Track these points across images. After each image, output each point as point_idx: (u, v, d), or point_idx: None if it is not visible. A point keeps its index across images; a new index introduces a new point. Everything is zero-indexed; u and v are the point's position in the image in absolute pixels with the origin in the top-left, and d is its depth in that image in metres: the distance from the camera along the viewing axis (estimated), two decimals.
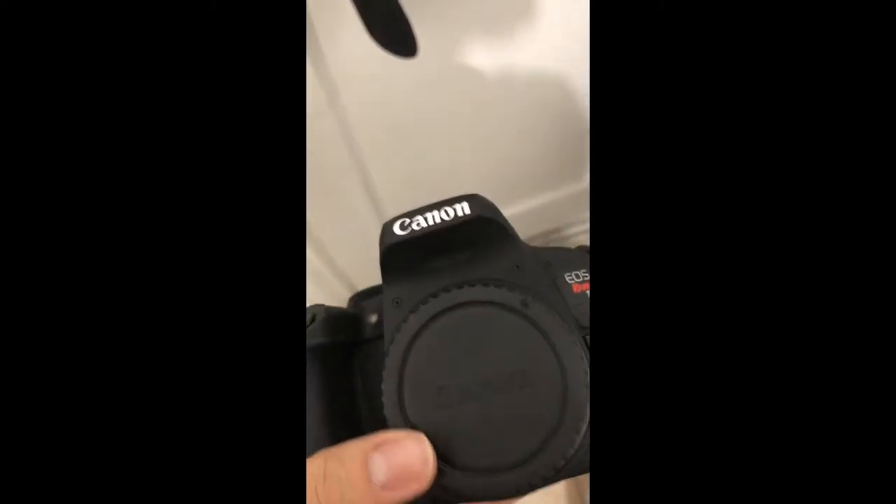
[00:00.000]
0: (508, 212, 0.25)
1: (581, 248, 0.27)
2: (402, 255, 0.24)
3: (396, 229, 0.24)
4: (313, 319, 0.25)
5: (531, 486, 0.22)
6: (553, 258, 0.25)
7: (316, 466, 0.20)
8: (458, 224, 0.23)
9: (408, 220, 0.24)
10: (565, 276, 0.25)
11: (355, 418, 0.26)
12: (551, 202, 0.92)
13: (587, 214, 0.99)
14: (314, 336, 0.24)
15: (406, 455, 0.21)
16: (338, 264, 0.83)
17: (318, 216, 0.74)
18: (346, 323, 0.27)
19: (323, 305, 0.27)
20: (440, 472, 0.22)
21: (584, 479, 0.93)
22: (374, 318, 0.27)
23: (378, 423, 0.24)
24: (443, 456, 0.22)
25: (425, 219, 0.24)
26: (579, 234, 1.04)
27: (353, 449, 0.21)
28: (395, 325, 0.24)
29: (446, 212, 0.24)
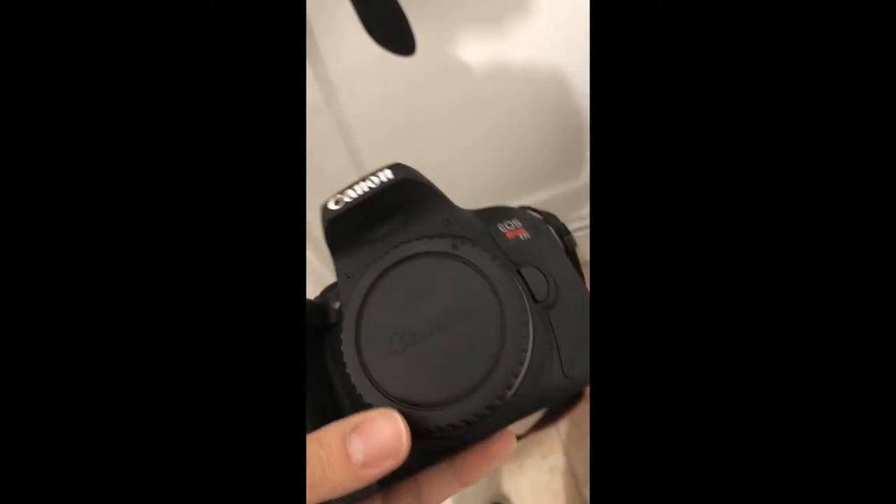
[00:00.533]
0: None
1: (521, 207, 0.29)
2: (342, 229, 0.26)
3: (331, 205, 0.26)
4: None
5: (478, 415, 0.23)
6: (486, 214, 0.28)
7: None
8: (385, 189, 0.25)
9: (340, 196, 0.26)
10: (498, 225, 0.27)
11: (334, 401, 0.27)
12: (549, 199, 0.92)
13: (585, 211, 0.99)
14: None
15: (381, 433, 0.22)
16: None
17: (317, 216, 0.74)
18: (311, 310, 0.28)
19: None
20: (405, 412, 0.23)
21: (584, 477, 0.93)
22: (338, 304, 0.28)
23: (354, 402, 0.25)
24: (402, 397, 0.23)
25: (354, 190, 0.26)
26: (577, 230, 1.04)
27: (332, 431, 0.22)
28: (347, 296, 0.26)
29: (372, 181, 0.26)
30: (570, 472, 0.96)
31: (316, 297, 0.30)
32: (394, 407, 0.23)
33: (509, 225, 0.27)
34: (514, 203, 0.92)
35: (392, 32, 0.44)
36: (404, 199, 0.26)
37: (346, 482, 0.21)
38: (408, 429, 0.22)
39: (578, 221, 1.02)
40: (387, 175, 0.25)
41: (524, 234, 0.27)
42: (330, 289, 0.31)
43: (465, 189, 0.26)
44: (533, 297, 0.25)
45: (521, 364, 0.23)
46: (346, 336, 0.25)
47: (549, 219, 0.29)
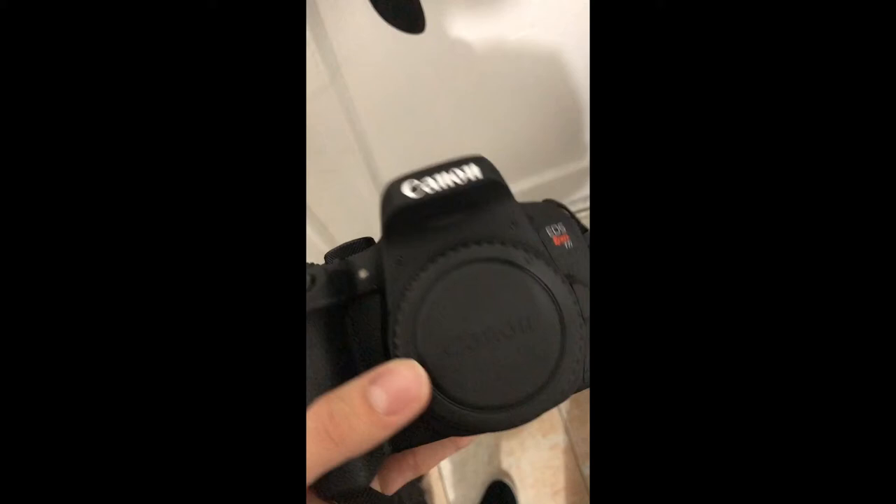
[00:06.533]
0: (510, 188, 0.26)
1: (547, 201, 0.28)
2: (409, 216, 0.25)
3: (406, 191, 0.24)
4: (314, 281, 0.25)
5: (534, 417, 0.24)
6: (533, 213, 0.27)
7: (322, 408, 0.22)
8: (470, 188, 0.24)
9: (417, 182, 0.24)
10: (546, 229, 0.27)
11: (354, 375, 0.27)
12: (551, 181, 0.91)
13: (583, 193, 0.99)
14: (318, 299, 0.25)
15: (401, 380, 0.23)
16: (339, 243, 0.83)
17: (319, 195, 0.74)
18: (343, 281, 0.27)
19: (316, 265, 0.27)
20: (456, 411, 0.24)
21: (584, 455, 0.95)
22: (363, 274, 0.27)
23: None
24: (458, 398, 0.24)
25: (436, 181, 0.24)
26: (579, 211, 1.04)
27: (351, 386, 0.23)
28: (403, 284, 0.25)
29: (457, 175, 0.24)
30: (571, 449, 0.97)
31: (335, 260, 0.29)
32: (451, 406, 0.24)
33: (556, 230, 0.27)
34: (517, 183, 0.92)
35: (401, 9, 0.43)
36: (481, 196, 0.25)
37: (374, 431, 0.22)
38: (426, 374, 0.23)
39: (581, 203, 1.02)
40: (474, 173, 0.24)
41: (568, 242, 0.27)
42: (346, 250, 0.29)
43: None
44: (582, 315, 0.25)
45: (574, 383, 0.24)
46: (403, 329, 0.24)
47: (579, 221, 0.29)
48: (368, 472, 0.25)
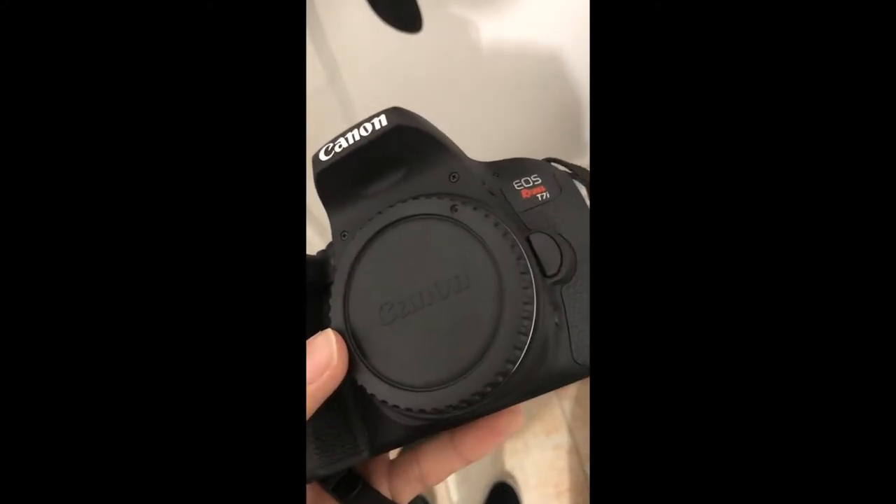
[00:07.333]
0: None
1: (548, 158, 0.26)
2: (335, 182, 0.24)
3: (322, 155, 0.23)
4: None
5: (466, 401, 0.21)
6: (502, 168, 0.25)
7: None
8: (379, 138, 0.22)
9: (331, 145, 0.23)
10: (513, 182, 0.24)
11: None
12: None
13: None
14: None
15: (314, 350, 0.22)
16: None
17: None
18: (310, 266, 0.26)
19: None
20: (384, 388, 0.22)
21: (588, 455, 0.94)
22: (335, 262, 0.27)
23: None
24: (388, 375, 0.22)
25: (346, 139, 0.23)
26: None
27: None
28: (340, 256, 0.24)
29: (365, 128, 0.23)
30: (575, 449, 0.96)
31: (318, 252, 0.28)
32: (383, 383, 0.22)
33: (527, 182, 0.24)
34: None
35: (398, 8, 0.43)
36: (404, 148, 0.23)
37: None
38: (343, 345, 0.22)
39: None
40: (381, 121, 0.22)
41: (543, 194, 0.24)
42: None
43: None
44: (542, 270, 0.22)
45: (520, 349, 0.20)
46: (335, 301, 0.23)
47: (579, 173, 0.25)
48: (324, 461, 0.24)
